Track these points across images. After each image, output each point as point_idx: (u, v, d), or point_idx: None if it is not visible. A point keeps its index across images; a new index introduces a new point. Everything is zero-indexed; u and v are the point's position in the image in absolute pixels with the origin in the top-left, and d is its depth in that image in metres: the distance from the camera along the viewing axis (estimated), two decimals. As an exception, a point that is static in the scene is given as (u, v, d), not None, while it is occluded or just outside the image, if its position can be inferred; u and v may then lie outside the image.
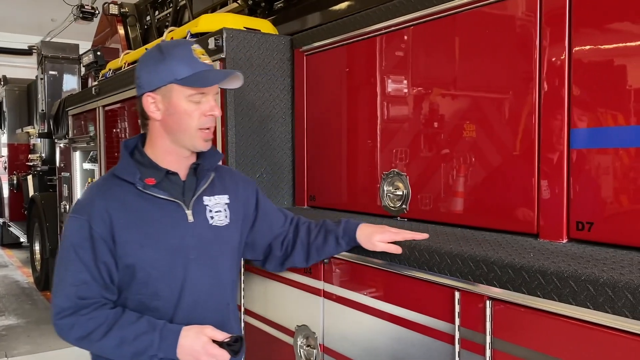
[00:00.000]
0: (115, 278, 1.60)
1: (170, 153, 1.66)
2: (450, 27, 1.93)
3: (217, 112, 1.64)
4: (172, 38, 3.27)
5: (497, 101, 1.79)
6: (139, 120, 1.72)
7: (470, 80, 1.88)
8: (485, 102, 1.83)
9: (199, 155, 1.73)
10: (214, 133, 2.63)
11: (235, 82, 1.70)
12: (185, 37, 3.02)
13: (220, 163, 1.81)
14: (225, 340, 1.55)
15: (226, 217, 1.74)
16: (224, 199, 1.76)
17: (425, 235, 1.75)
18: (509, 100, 1.75)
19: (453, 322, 1.51)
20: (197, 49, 1.63)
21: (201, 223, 1.67)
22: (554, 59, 1.61)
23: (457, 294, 1.50)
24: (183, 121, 1.60)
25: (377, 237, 1.77)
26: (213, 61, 2.59)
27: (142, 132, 1.73)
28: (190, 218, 1.65)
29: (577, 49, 1.56)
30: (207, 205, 1.71)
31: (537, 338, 1.33)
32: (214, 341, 1.54)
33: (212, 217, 1.70)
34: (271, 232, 1.92)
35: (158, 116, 1.62)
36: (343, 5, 3.01)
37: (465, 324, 1.49)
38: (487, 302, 1.42)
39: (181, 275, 1.62)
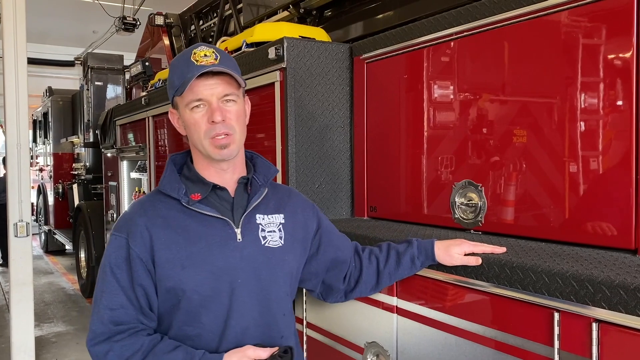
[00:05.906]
0: (154, 304, 1.49)
1: (207, 167, 1.56)
2: (531, 30, 1.84)
3: (217, 117, 1.47)
4: (225, 48, 3.26)
5: (585, 103, 1.69)
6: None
7: (554, 81, 1.78)
8: (571, 104, 1.73)
9: (250, 169, 1.63)
10: (276, 142, 2.63)
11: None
12: (241, 47, 3.01)
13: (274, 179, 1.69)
14: (274, 354, 1.45)
15: (281, 238, 1.57)
16: (279, 218, 1.60)
17: (503, 249, 1.68)
18: (600, 102, 1.65)
19: (551, 345, 1.42)
20: (198, 51, 1.50)
21: (251, 243, 1.52)
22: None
23: (556, 315, 1.41)
24: (193, 132, 1.52)
25: (454, 249, 1.70)
26: (273, 71, 2.62)
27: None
28: (239, 237, 1.51)
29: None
30: (260, 224, 1.56)
31: (653, 365, 1.23)
32: None
33: (264, 237, 1.55)
34: (335, 262, 1.76)
35: (182, 131, 1.58)
36: (398, 12, 2.95)
37: (565, 347, 1.40)
38: (594, 324, 1.33)
39: (227, 302, 1.47)
